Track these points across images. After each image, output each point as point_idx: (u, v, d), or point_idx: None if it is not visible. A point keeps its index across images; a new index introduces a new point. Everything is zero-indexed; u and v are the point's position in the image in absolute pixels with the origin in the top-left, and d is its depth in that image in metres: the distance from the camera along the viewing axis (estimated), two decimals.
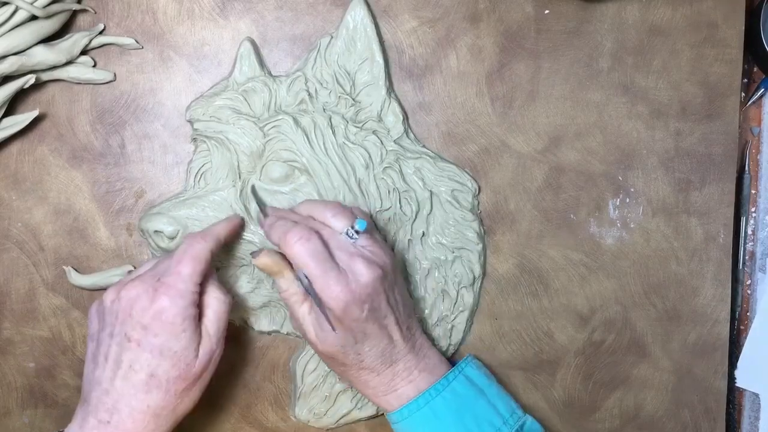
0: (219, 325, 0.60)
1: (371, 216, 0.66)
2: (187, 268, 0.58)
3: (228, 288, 0.66)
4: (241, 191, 0.65)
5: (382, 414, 0.70)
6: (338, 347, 0.59)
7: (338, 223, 0.59)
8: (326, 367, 0.68)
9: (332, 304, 0.57)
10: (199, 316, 0.59)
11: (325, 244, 0.58)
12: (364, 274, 0.58)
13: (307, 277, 0.58)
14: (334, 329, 0.58)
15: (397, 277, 0.62)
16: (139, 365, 0.56)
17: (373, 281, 0.58)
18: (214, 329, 0.59)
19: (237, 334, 0.70)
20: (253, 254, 0.61)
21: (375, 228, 0.62)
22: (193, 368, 0.58)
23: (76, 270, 0.69)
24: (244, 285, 0.67)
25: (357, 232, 0.59)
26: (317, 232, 0.58)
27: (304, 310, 0.61)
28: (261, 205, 0.64)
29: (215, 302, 0.60)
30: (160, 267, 0.59)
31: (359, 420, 0.70)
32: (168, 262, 0.59)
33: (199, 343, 0.58)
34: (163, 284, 0.57)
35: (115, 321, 0.58)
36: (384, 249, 0.61)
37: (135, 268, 0.69)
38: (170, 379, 0.57)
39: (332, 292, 0.57)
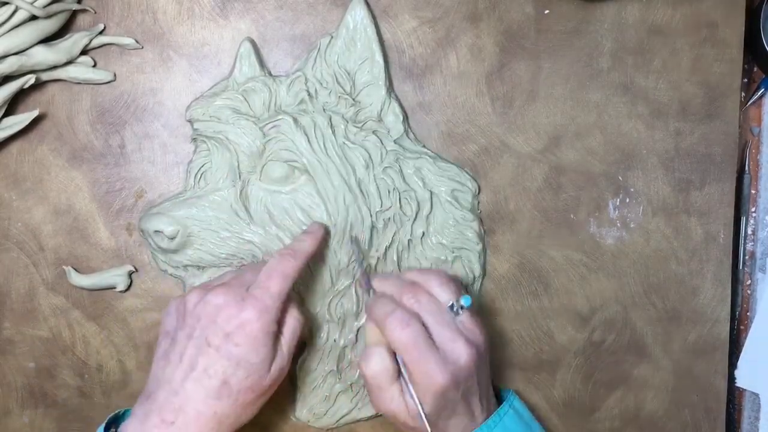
0: (292, 343, 0.60)
1: (372, 216, 0.66)
2: (276, 285, 0.58)
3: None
4: (241, 191, 0.65)
5: (380, 416, 0.70)
6: (429, 417, 0.59)
7: (444, 295, 0.59)
8: (326, 368, 0.68)
9: (431, 388, 0.57)
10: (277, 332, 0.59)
11: (425, 323, 0.58)
12: (463, 355, 0.57)
13: (404, 362, 0.58)
14: (427, 425, 0.57)
15: (488, 355, 0.61)
16: (214, 371, 0.56)
17: (472, 363, 0.58)
18: (288, 347, 0.59)
19: None
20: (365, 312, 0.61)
21: (474, 302, 0.61)
22: (264, 381, 0.58)
23: (75, 270, 0.69)
24: None
25: (462, 307, 0.59)
26: (417, 314, 0.58)
27: (395, 391, 0.59)
28: (364, 267, 0.65)
29: (293, 321, 0.60)
30: (246, 277, 0.59)
31: (359, 420, 0.70)
32: (254, 274, 0.59)
33: (273, 359, 0.58)
34: (251, 296, 0.57)
35: (196, 323, 0.57)
36: (481, 327, 0.60)
37: (135, 269, 0.69)
38: (241, 390, 0.57)
39: (431, 377, 0.56)
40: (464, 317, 0.59)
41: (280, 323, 0.59)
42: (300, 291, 0.66)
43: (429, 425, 0.57)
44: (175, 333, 0.58)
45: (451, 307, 0.59)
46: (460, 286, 0.61)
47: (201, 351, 0.56)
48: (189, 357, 0.57)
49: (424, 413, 0.57)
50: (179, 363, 0.57)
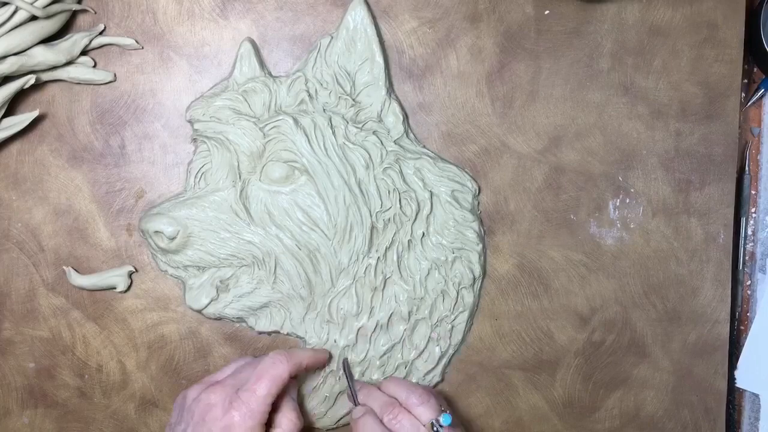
0: None
1: (372, 216, 0.66)
2: (263, 388, 0.60)
3: (226, 285, 0.66)
4: (241, 191, 0.65)
5: None
6: None
7: (425, 415, 0.61)
8: (326, 368, 0.68)
9: None
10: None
11: None
12: None
13: None
14: None
15: None
16: None
17: None
18: None
19: (237, 334, 0.70)
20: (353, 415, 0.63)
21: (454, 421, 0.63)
22: None
23: (75, 270, 0.69)
24: (244, 285, 0.67)
25: (441, 426, 0.60)
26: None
27: None
28: (350, 380, 0.66)
29: (287, 423, 0.62)
30: (242, 375, 0.62)
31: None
32: (249, 373, 0.61)
33: None
34: (238, 398, 0.59)
35: (190, 419, 0.60)
36: None
37: (135, 269, 0.69)
38: None
39: None
40: None
41: (270, 424, 0.61)
42: (300, 292, 0.66)
43: None
44: (174, 426, 0.61)
45: (432, 425, 0.60)
46: (441, 401, 0.63)
47: None
48: None
49: None
50: None
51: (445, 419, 0.60)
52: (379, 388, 0.65)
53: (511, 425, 0.71)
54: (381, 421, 0.61)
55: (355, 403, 0.65)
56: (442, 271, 0.68)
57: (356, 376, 0.68)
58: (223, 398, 0.59)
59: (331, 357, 0.68)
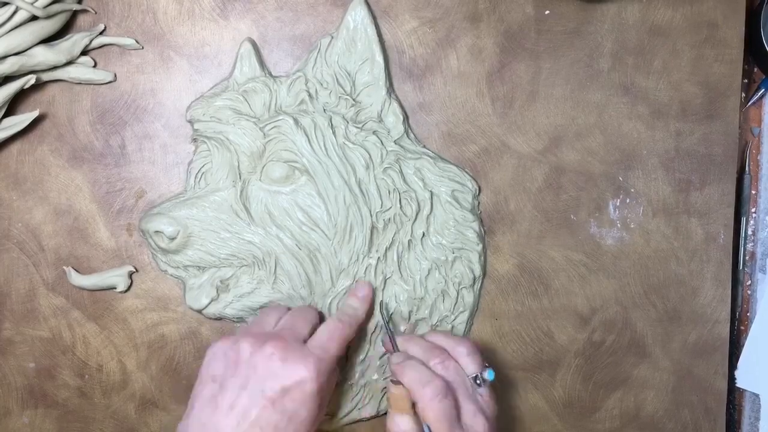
0: (326, 400, 0.61)
1: (372, 216, 0.66)
2: (335, 348, 0.60)
3: (226, 285, 0.67)
4: (242, 192, 0.66)
5: (383, 414, 0.70)
6: None
7: (470, 366, 0.61)
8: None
9: None
10: None
11: (455, 395, 0.59)
12: (481, 431, 0.59)
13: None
14: None
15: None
16: (267, 423, 0.56)
17: None
18: (325, 404, 0.60)
19: None
20: (393, 381, 0.61)
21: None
22: None
23: (76, 270, 0.69)
24: (244, 285, 0.67)
25: (484, 380, 0.60)
26: (450, 383, 0.59)
27: None
28: (388, 328, 0.65)
29: (334, 379, 0.61)
30: (298, 328, 0.60)
31: (359, 420, 0.70)
32: (304, 323, 0.61)
33: (318, 415, 0.59)
34: (312, 355, 0.58)
35: (252, 373, 0.57)
36: (496, 402, 0.61)
37: (136, 269, 0.69)
38: None
39: None
40: (484, 390, 0.60)
41: None
42: (300, 293, 0.66)
43: None
44: (224, 379, 0.58)
45: (475, 378, 0.60)
46: (483, 358, 0.62)
47: (255, 402, 0.56)
48: (242, 407, 0.56)
49: None
50: (230, 411, 0.56)
51: (489, 374, 0.60)
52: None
53: (511, 425, 0.71)
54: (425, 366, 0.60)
55: (395, 349, 0.63)
56: (442, 271, 0.68)
57: (356, 377, 0.68)
58: (295, 353, 0.57)
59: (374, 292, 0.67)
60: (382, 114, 0.68)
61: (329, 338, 0.60)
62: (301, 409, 0.57)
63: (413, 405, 0.59)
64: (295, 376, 0.57)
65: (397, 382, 0.60)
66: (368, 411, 0.69)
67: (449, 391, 0.58)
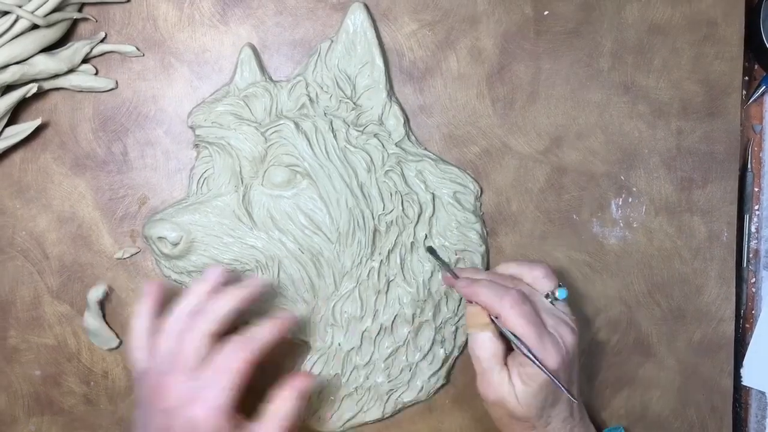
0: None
1: (375, 219, 0.66)
2: (225, 381, 0.56)
3: None
4: (244, 196, 0.66)
5: (388, 417, 0.70)
6: (536, 410, 0.59)
7: (546, 285, 0.61)
8: (331, 371, 0.68)
9: (549, 369, 0.58)
10: None
11: (535, 307, 0.59)
12: (569, 339, 0.59)
13: (521, 343, 0.58)
14: (571, 394, 0.58)
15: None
16: None
17: (575, 349, 0.59)
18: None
19: None
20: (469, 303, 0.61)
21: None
22: None
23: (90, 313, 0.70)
24: None
25: (556, 299, 0.61)
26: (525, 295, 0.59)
27: (504, 376, 0.59)
28: (443, 263, 0.65)
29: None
30: (186, 353, 0.58)
31: (365, 423, 0.70)
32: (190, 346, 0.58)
33: None
34: (198, 397, 0.56)
35: (150, 414, 0.58)
36: (573, 316, 0.62)
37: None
38: None
39: (549, 357, 0.57)
40: (561, 305, 0.61)
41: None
42: (304, 296, 0.66)
43: (539, 412, 0.58)
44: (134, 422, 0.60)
45: (546, 297, 0.60)
46: (556, 279, 0.62)
47: None
48: None
49: (559, 383, 0.57)
50: None
51: (561, 293, 0.60)
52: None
53: None
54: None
55: (456, 277, 0.63)
56: (445, 273, 0.68)
57: (360, 380, 0.68)
58: (183, 392, 0.56)
59: (294, 321, 0.63)
60: (383, 117, 0.68)
61: (215, 372, 0.57)
62: None
63: (492, 321, 0.59)
64: (183, 419, 0.56)
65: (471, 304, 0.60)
66: (373, 414, 0.69)
67: (527, 299, 0.58)
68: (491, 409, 0.61)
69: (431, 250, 0.67)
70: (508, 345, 0.60)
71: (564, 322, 0.60)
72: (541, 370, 0.57)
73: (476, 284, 0.60)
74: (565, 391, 0.57)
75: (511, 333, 0.58)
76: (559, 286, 0.61)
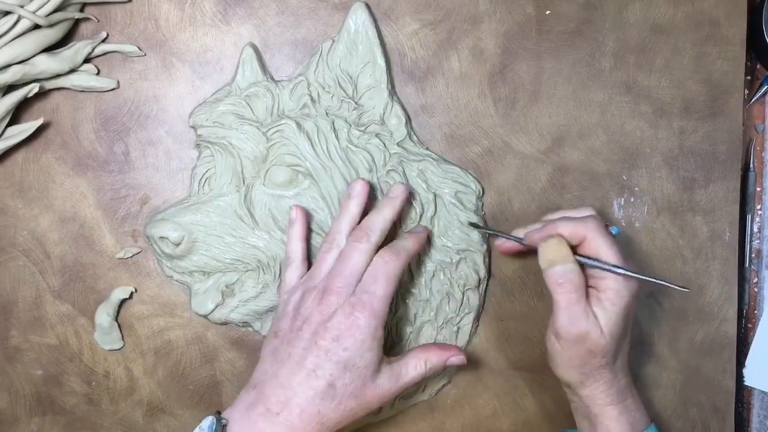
0: (381, 345, 0.61)
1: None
2: (381, 289, 0.59)
3: (232, 290, 0.67)
4: (245, 196, 0.66)
5: (390, 416, 0.70)
6: (617, 340, 0.60)
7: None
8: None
9: (620, 302, 0.59)
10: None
11: None
12: (635, 281, 0.60)
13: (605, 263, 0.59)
14: (681, 286, 0.59)
15: None
16: (322, 372, 0.58)
17: (640, 293, 0.61)
18: (379, 350, 0.60)
19: (243, 339, 0.70)
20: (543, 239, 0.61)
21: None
22: (367, 390, 0.59)
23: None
24: (249, 289, 0.67)
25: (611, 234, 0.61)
26: None
27: (588, 308, 0.59)
28: (493, 230, 0.66)
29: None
30: (348, 277, 0.60)
31: (367, 423, 0.70)
32: (355, 274, 0.60)
33: (380, 369, 0.60)
34: (360, 302, 0.59)
35: (305, 325, 0.59)
36: None
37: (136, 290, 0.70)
38: (345, 394, 0.58)
39: (621, 291, 0.59)
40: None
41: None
42: None
43: (611, 343, 0.59)
44: (284, 333, 0.60)
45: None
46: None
47: (310, 352, 0.58)
48: (297, 356, 0.58)
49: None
50: (287, 360, 0.58)
51: (614, 229, 0.62)
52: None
53: (519, 426, 0.71)
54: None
55: (516, 237, 0.63)
56: (446, 272, 0.68)
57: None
58: (342, 302, 0.59)
59: (430, 235, 0.67)
60: (385, 117, 0.68)
61: (374, 280, 0.60)
62: (356, 357, 0.58)
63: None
64: (344, 324, 0.58)
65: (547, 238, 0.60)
66: (374, 414, 0.69)
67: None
68: (569, 349, 0.60)
69: (475, 225, 0.67)
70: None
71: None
72: (636, 276, 0.58)
73: (550, 223, 0.61)
74: (672, 285, 0.58)
75: (592, 259, 0.59)
76: (607, 225, 0.62)
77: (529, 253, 0.70)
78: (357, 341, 0.58)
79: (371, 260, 0.61)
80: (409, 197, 0.66)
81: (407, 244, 0.63)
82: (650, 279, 0.59)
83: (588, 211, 0.62)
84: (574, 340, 0.59)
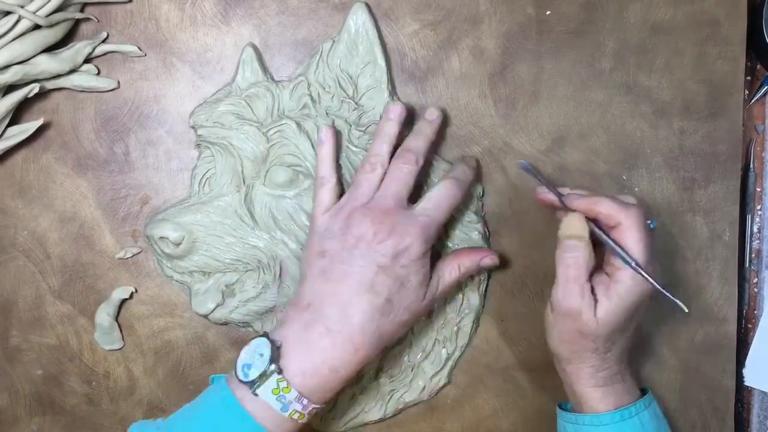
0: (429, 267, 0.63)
1: None
2: (440, 215, 0.62)
3: (232, 290, 0.67)
4: (246, 196, 0.66)
5: (390, 417, 0.70)
6: (609, 330, 0.59)
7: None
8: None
9: (634, 288, 0.58)
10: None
11: None
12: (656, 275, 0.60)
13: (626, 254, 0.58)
14: (683, 305, 0.59)
15: None
16: (381, 289, 0.59)
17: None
18: (428, 270, 0.62)
19: (243, 339, 0.70)
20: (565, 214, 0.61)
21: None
22: (419, 303, 0.61)
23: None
24: (250, 290, 0.67)
25: (650, 227, 0.60)
26: None
27: (587, 288, 0.59)
28: (544, 179, 0.64)
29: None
30: (399, 194, 0.61)
31: (367, 423, 0.70)
32: (404, 189, 0.61)
33: (428, 284, 0.62)
34: (418, 222, 0.60)
35: (360, 243, 0.59)
36: None
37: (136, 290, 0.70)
38: (401, 308, 0.60)
39: (646, 285, 0.58)
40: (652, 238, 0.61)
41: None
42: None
43: (612, 331, 0.59)
44: (334, 253, 0.60)
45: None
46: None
47: (369, 269, 0.59)
48: (356, 274, 0.59)
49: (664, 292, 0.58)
50: (344, 278, 0.59)
51: (653, 224, 0.61)
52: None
53: (519, 427, 0.71)
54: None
55: (559, 196, 0.62)
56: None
57: (364, 379, 0.68)
58: (401, 221, 0.60)
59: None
60: None
61: (435, 206, 0.61)
62: (412, 274, 0.60)
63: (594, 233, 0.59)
64: (403, 243, 0.59)
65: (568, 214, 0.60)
66: (375, 414, 0.69)
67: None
68: (561, 322, 0.60)
69: (526, 168, 0.64)
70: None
71: (655, 257, 0.60)
72: (650, 281, 0.58)
73: (594, 196, 0.60)
74: (676, 300, 0.58)
75: (619, 246, 0.58)
76: (653, 218, 0.62)
77: (530, 254, 0.70)
78: (413, 259, 0.59)
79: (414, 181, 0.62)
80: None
81: (466, 176, 0.65)
82: (657, 286, 0.58)
83: (632, 200, 0.61)
84: (563, 315, 0.60)
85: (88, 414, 0.71)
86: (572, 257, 0.59)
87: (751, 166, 0.72)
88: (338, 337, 0.58)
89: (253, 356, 0.57)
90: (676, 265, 0.70)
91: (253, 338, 0.58)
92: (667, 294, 0.58)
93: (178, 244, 0.65)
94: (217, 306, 0.67)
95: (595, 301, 0.59)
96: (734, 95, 0.69)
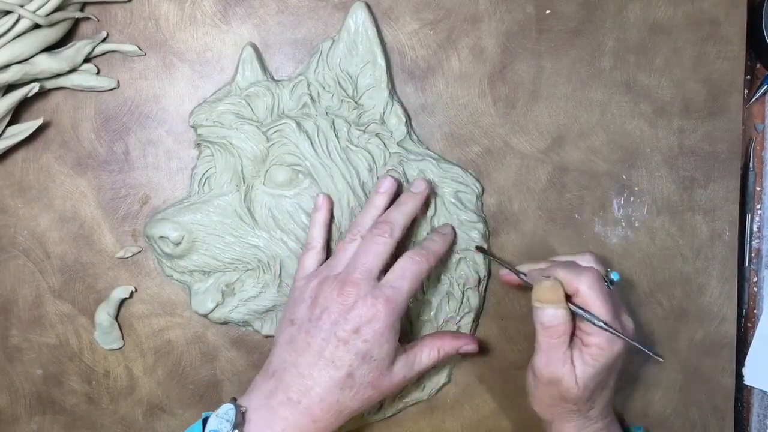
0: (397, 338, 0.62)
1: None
2: (407, 285, 0.60)
3: (232, 289, 0.67)
4: (246, 196, 0.66)
5: (390, 416, 0.70)
6: (589, 392, 0.60)
7: (600, 269, 0.61)
8: None
9: (609, 352, 0.59)
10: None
11: None
12: (630, 328, 0.61)
13: (595, 317, 0.58)
14: (656, 354, 0.59)
15: None
16: (341, 363, 0.58)
17: (632, 338, 0.60)
18: (395, 342, 0.61)
19: (243, 338, 0.70)
20: (544, 278, 0.61)
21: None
22: (384, 380, 0.60)
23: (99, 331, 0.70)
24: (249, 289, 0.67)
25: (612, 282, 0.61)
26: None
27: (567, 355, 0.59)
28: (500, 260, 0.66)
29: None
30: (370, 267, 0.60)
31: (366, 423, 0.70)
32: (378, 262, 0.61)
33: (396, 360, 0.61)
34: (383, 295, 0.59)
35: (324, 315, 0.59)
36: None
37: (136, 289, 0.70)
38: (363, 383, 0.59)
39: (613, 342, 0.59)
40: (614, 292, 0.61)
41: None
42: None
43: (591, 394, 0.60)
44: (301, 322, 0.60)
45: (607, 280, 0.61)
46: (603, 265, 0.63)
47: (329, 342, 0.59)
48: (317, 346, 0.59)
49: (654, 353, 0.58)
50: (307, 349, 0.59)
51: (614, 275, 0.61)
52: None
53: (519, 426, 0.71)
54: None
55: (519, 273, 0.63)
56: (446, 272, 0.68)
57: None
58: (365, 295, 0.59)
59: (456, 236, 0.68)
60: (385, 116, 0.68)
61: (401, 276, 0.61)
62: (374, 348, 0.59)
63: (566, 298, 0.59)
64: (365, 316, 0.59)
65: (544, 279, 0.60)
66: (376, 415, 0.69)
67: (601, 279, 0.60)
68: (542, 388, 0.61)
69: (482, 250, 0.67)
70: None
71: (627, 312, 0.61)
72: (622, 338, 0.58)
73: (552, 265, 0.61)
74: (650, 353, 0.58)
75: (583, 310, 0.58)
76: (608, 270, 0.61)
77: (530, 253, 0.70)
78: (377, 333, 0.59)
79: (391, 254, 0.61)
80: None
81: (436, 246, 0.64)
82: (632, 342, 0.59)
83: (588, 260, 0.62)
84: (546, 382, 0.60)
85: (87, 413, 0.71)
86: (553, 326, 0.59)
87: (751, 165, 0.72)
88: (298, 407, 0.58)
89: (221, 423, 0.57)
90: (675, 265, 0.70)
91: (223, 404, 0.59)
92: (642, 347, 0.58)
93: (177, 244, 0.65)
94: (217, 305, 0.67)
95: (573, 366, 0.59)
96: (734, 94, 0.69)
